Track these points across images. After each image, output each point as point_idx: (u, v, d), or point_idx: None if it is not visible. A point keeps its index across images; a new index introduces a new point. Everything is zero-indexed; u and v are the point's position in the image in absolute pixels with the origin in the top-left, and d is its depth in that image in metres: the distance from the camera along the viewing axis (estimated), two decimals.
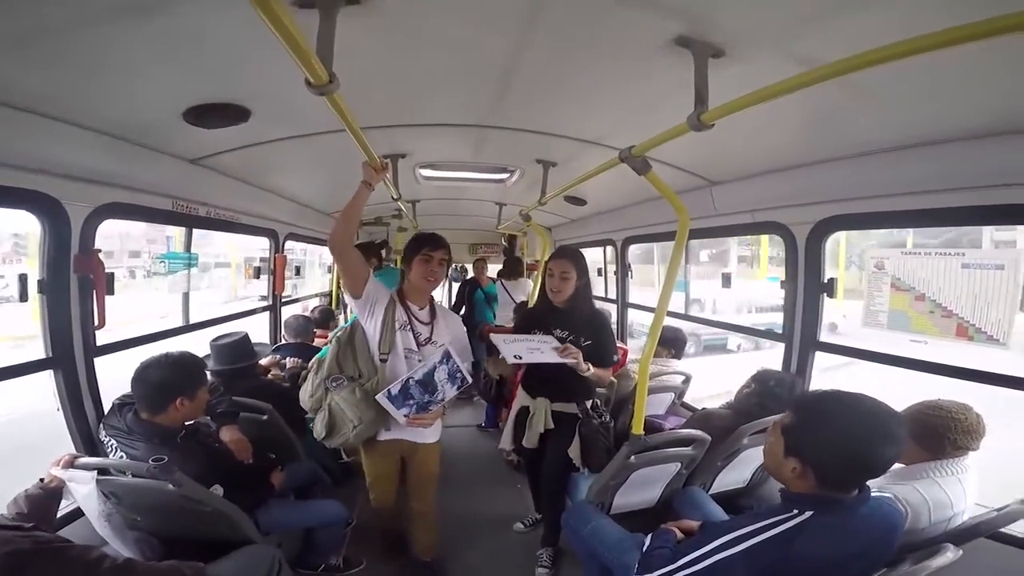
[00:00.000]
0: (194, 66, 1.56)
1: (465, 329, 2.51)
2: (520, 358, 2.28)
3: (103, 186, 2.07)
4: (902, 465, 1.67)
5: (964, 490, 1.59)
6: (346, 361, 2.19)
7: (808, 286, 2.47)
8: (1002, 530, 1.60)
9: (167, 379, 1.88)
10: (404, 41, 1.51)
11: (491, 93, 1.94)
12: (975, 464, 1.64)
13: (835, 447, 1.26)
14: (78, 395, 2.02)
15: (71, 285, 1.96)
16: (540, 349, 2.30)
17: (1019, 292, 1.79)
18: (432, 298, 2.40)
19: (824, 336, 2.50)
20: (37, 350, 1.94)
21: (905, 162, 1.91)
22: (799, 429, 1.33)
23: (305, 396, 2.23)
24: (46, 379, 1.97)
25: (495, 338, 2.40)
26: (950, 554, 1.34)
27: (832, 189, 2.26)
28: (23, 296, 1.83)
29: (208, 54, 1.49)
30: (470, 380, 2.29)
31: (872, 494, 1.35)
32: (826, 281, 2.43)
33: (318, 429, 2.19)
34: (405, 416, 2.12)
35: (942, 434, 1.62)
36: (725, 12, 1.27)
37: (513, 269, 5.64)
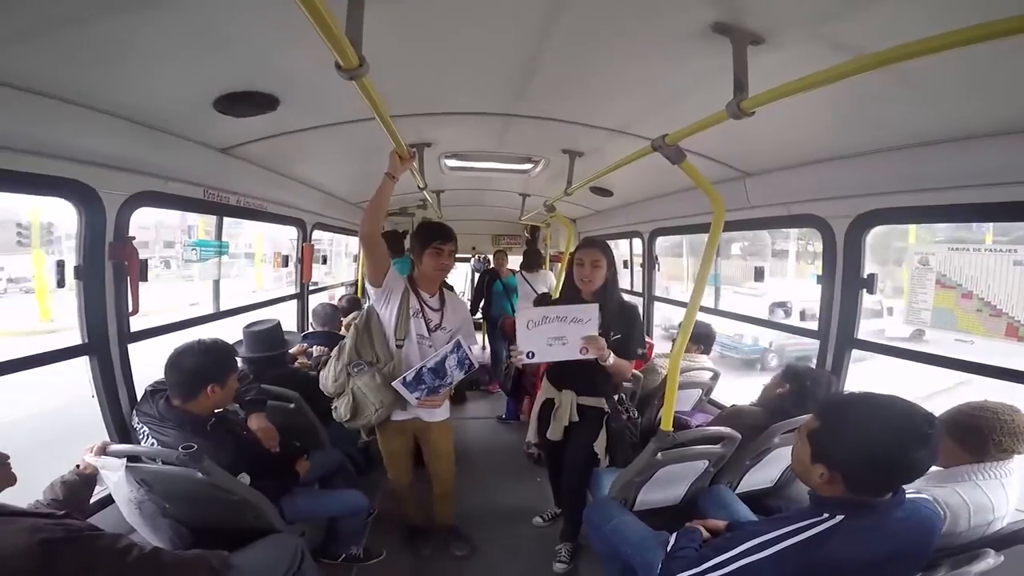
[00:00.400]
0: (225, 54, 1.57)
1: (470, 313, 2.58)
2: (533, 356, 2.25)
3: (137, 174, 2.11)
4: (941, 468, 1.61)
5: (1007, 494, 1.53)
6: (364, 347, 2.31)
7: (846, 282, 2.39)
8: None
9: (200, 366, 1.92)
10: (430, 27, 1.49)
11: (517, 81, 1.93)
12: (1019, 468, 1.57)
13: (863, 454, 1.21)
14: (112, 381, 2.06)
15: (106, 272, 2.00)
16: (563, 338, 2.23)
17: None
18: (443, 284, 2.51)
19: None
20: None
21: (952, 155, 1.82)
22: (826, 435, 1.28)
23: (328, 381, 2.34)
24: (67, 374, 2.01)
25: (519, 313, 2.31)
26: (990, 560, 1.30)
27: (873, 182, 2.17)
28: (60, 282, 1.88)
29: (238, 41, 1.50)
30: (477, 365, 2.41)
31: (909, 495, 1.30)
32: (865, 277, 2.35)
33: (341, 412, 2.31)
34: (417, 399, 2.28)
35: (987, 436, 1.55)
36: None
37: (533, 261, 5.61)
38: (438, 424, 2.51)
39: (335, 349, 2.39)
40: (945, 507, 1.47)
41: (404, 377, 2.22)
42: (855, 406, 1.27)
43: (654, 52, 1.57)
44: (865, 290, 2.35)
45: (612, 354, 2.26)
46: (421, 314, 2.36)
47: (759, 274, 3.38)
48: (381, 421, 2.35)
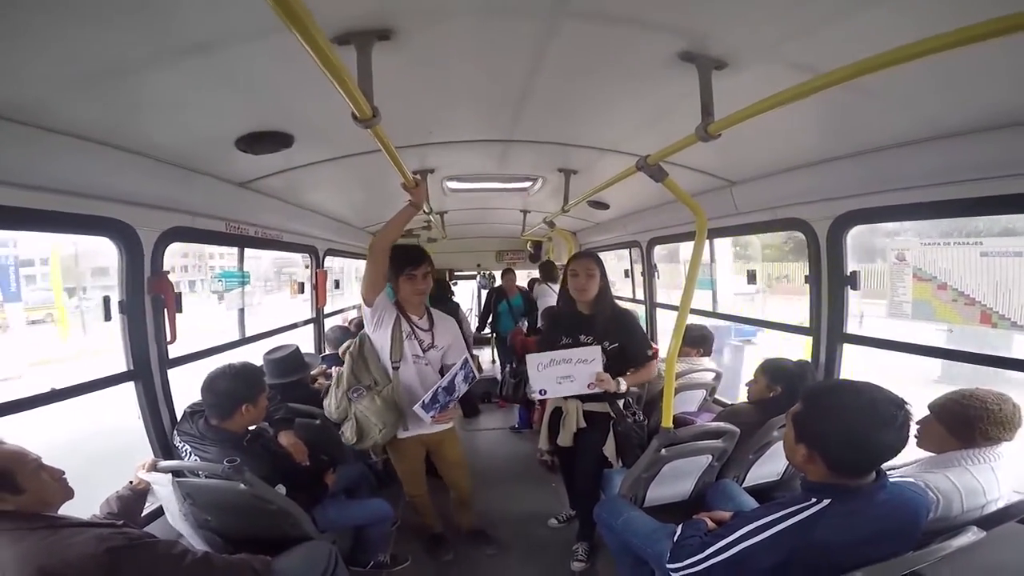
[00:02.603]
0: (246, 98, 1.72)
1: (478, 329, 2.71)
2: (545, 392, 2.42)
3: (167, 211, 2.25)
4: (933, 454, 1.69)
5: (997, 478, 1.58)
6: (361, 372, 2.42)
7: (832, 280, 2.49)
8: None
9: (233, 388, 2.06)
10: (431, 69, 1.63)
11: (512, 110, 2.06)
12: (1010, 451, 1.63)
13: (835, 431, 1.32)
14: (155, 404, 2.20)
15: (146, 304, 2.15)
16: (571, 377, 2.38)
17: None
18: (427, 306, 2.61)
19: None
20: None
21: (921, 155, 1.92)
22: (805, 416, 1.40)
23: (332, 408, 2.46)
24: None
25: (529, 360, 2.46)
26: (971, 535, 1.36)
27: (850, 184, 2.28)
28: (107, 316, 2.04)
29: (259, 87, 1.64)
30: (478, 375, 2.54)
31: (897, 479, 1.40)
32: (849, 274, 2.44)
33: (347, 436, 2.43)
34: (432, 417, 2.36)
35: (973, 424, 1.61)
36: (723, 27, 1.34)
37: (549, 273, 5.71)
38: (443, 433, 2.63)
39: (334, 377, 2.51)
40: (937, 492, 1.53)
41: (423, 401, 2.32)
42: (830, 391, 1.41)
43: (634, 78, 1.70)
44: (849, 287, 2.44)
45: (621, 381, 2.39)
46: (413, 336, 2.47)
47: (751, 277, 3.43)
48: (389, 440, 2.47)
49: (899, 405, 1.29)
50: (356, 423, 2.38)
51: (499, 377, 5.65)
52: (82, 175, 1.78)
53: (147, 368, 2.17)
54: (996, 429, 1.60)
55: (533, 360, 2.44)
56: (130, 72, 1.40)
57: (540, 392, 2.43)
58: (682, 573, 1.49)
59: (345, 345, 2.56)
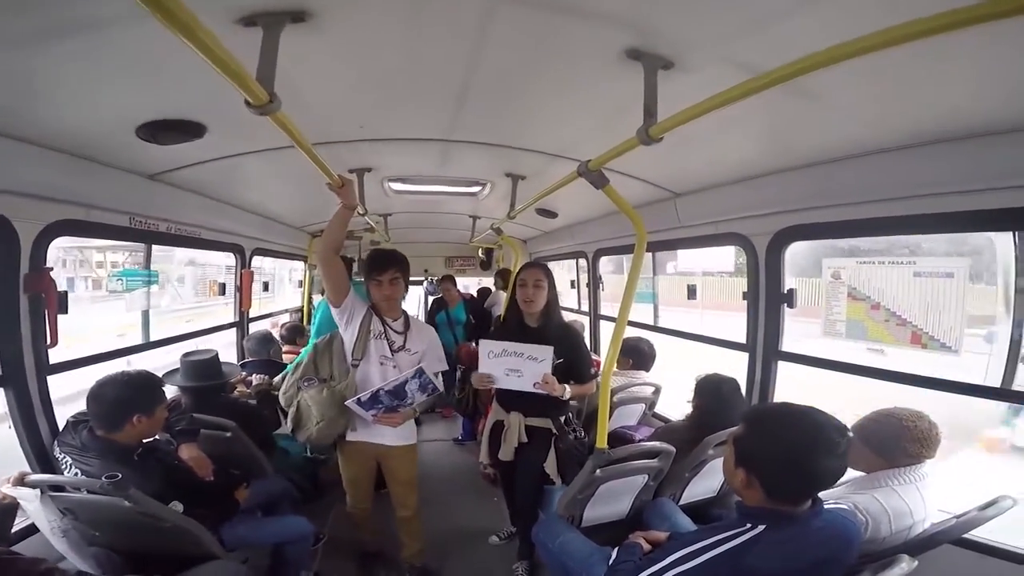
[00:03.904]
0: (146, 82, 1.54)
1: (438, 336, 2.61)
2: (492, 382, 2.38)
3: (55, 203, 2.02)
4: (862, 473, 1.70)
5: (923, 498, 1.60)
6: (323, 364, 2.38)
7: (769, 297, 2.50)
8: (964, 536, 1.60)
9: (123, 397, 1.87)
10: (356, 56, 1.50)
11: (451, 106, 1.95)
12: (935, 472, 1.65)
13: (777, 457, 1.28)
14: (30, 412, 1.97)
15: (21, 304, 1.91)
16: (519, 371, 2.35)
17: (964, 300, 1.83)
18: (404, 310, 2.52)
19: None
20: None
21: (860, 170, 1.92)
22: (746, 440, 1.36)
23: (281, 395, 2.42)
24: None
25: (482, 344, 2.44)
26: (904, 565, 1.35)
27: (790, 199, 2.28)
28: None
29: (159, 70, 1.47)
30: (441, 389, 2.43)
31: (829, 505, 1.36)
32: (786, 292, 2.45)
33: (287, 424, 2.37)
34: (373, 415, 2.28)
35: (893, 442, 1.64)
36: (672, 23, 1.28)
37: (506, 281, 5.56)
38: (400, 448, 2.48)
39: (292, 364, 2.43)
40: (866, 513, 1.53)
41: (359, 397, 2.23)
42: (773, 414, 1.37)
43: (579, 78, 1.62)
44: (786, 305, 2.45)
45: (567, 388, 2.35)
46: (384, 336, 2.39)
47: (692, 292, 3.41)
48: (338, 441, 2.41)
49: (842, 432, 1.26)
50: (297, 411, 2.32)
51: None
52: None
53: (19, 374, 1.93)
54: (915, 446, 1.62)
55: (486, 346, 2.41)
56: (8, 47, 1.23)
57: (488, 379, 2.40)
58: None
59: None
